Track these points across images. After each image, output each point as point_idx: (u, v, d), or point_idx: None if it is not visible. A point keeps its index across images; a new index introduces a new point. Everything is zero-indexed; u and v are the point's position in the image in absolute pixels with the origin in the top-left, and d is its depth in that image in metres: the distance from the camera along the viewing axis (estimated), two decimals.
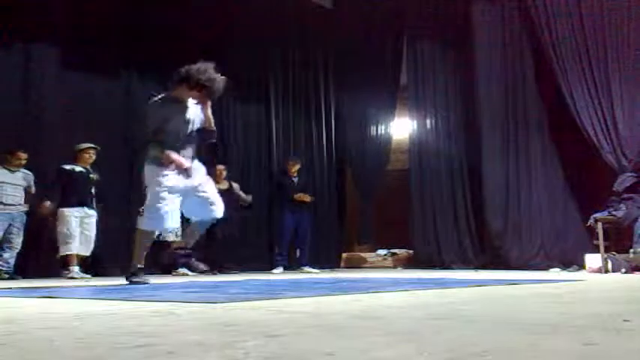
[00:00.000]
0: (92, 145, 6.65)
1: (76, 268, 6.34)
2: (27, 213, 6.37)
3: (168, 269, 7.24)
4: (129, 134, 7.79)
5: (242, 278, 5.98)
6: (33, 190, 6.46)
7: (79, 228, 6.50)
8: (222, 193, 7.60)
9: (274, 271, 7.92)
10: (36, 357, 1.30)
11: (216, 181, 7.69)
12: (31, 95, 6.93)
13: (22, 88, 6.92)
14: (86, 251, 6.57)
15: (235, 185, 7.91)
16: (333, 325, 1.81)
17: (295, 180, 8.39)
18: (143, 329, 1.72)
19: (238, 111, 9.05)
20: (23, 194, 6.39)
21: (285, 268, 8.14)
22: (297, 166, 8.46)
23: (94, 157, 6.66)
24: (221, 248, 7.80)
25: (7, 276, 6.04)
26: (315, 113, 10.06)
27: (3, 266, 6.12)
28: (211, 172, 7.79)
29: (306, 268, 8.12)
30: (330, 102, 10.30)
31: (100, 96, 7.51)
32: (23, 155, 6.34)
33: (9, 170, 6.32)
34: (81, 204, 6.51)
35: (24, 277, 6.11)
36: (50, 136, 6.93)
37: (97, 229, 6.66)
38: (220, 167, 7.74)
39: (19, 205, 6.32)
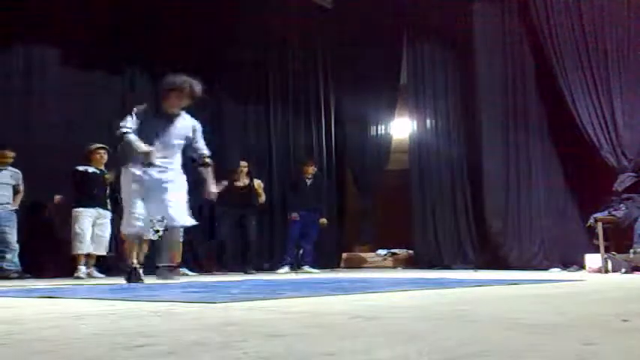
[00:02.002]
0: (102, 146, 6.68)
1: (83, 268, 6.35)
2: (17, 212, 6.35)
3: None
4: None
5: (244, 278, 5.98)
6: (22, 189, 6.43)
7: (93, 228, 6.51)
8: (241, 189, 7.71)
9: (280, 270, 7.96)
10: (36, 357, 1.30)
11: (237, 178, 7.75)
12: (31, 94, 6.93)
13: (22, 87, 6.92)
14: (100, 250, 6.59)
15: (257, 182, 7.94)
16: (333, 325, 1.81)
17: (309, 182, 8.43)
18: (143, 329, 1.72)
19: (238, 111, 9.05)
20: (11, 193, 6.35)
21: (292, 268, 8.19)
22: (312, 168, 8.49)
23: (105, 157, 6.69)
24: (224, 248, 7.82)
25: (16, 275, 6.03)
26: (315, 113, 10.06)
27: (10, 266, 6.12)
28: (234, 169, 7.89)
29: (306, 268, 8.14)
30: (330, 102, 10.30)
31: (100, 95, 7.51)
32: (10, 154, 6.30)
33: None
34: (94, 205, 6.52)
35: (33, 277, 6.11)
36: (50, 135, 6.92)
37: (112, 230, 6.67)
38: (243, 163, 7.80)
39: (7, 204, 6.29)
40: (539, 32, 7.92)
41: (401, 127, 10.40)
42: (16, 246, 6.23)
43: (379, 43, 9.95)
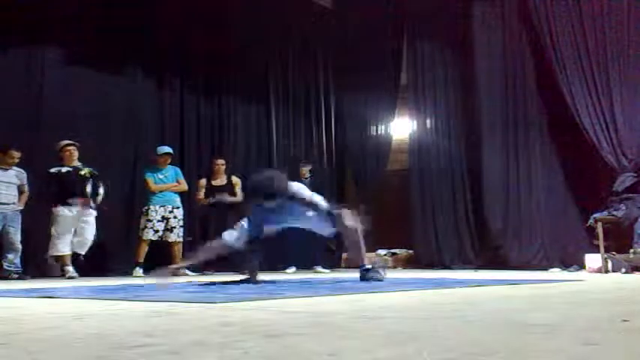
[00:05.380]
0: (70, 142, 6.59)
1: (70, 268, 6.33)
2: (22, 212, 6.34)
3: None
4: (131, 133, 7.80)
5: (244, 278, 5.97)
6: (26, 189, 6.41)
7: (75, 227, 6.49)
8: (220, 188, 7.61)
9: (287, 270, 7.98)
10: (36, 357, 1.30)
11: (215, 177, 7.69)
12: (31, 94, 6.93)
13: (22, 87, 6.92)
14: (81, 250, 6.56)
15: (235, 179, 7.75)
16: (334, 325, 1.81)
17: (306, 182, 8.41)
18: (143, 329, 1.72)
19: (238, 111, 9.06)
20: (17, 193, 6.35)
21: (298, 268, 8.19)
22: (308, 168, 8.48)
23: (75, 153, 6.60)
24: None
25: (16, 276, 6.03)
26: (315, 113, 10.06)
27: (10, 267, 6.11)
28: (210, 167, 7.82)
29: (318, 268, 8.17)
30: (330, 102, 10.30)
31: (101, 95, 7.51)
32: (16, 154, 6.28)
33: (1, 169, 6.25)
34: (71, 203, 6.47)
35: (33, 278, 6.11)
36: (51, 135, 6.91)
37: (99, 228, 6.65)
38: (219, 162, 7.70)
39: (13, 204, 6.28)
40: (539, 32, 7.92)
41: (401, 127, 10.40)
42: (19, 247, 6.22)
43: (379, 43, 9.95)
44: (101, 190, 6.65)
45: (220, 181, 7.65)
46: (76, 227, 6.51)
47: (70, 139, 6.62)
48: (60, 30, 7.06)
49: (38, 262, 6.64)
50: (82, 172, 6.56)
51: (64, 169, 6.54)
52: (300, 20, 9.78)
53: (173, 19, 8.18)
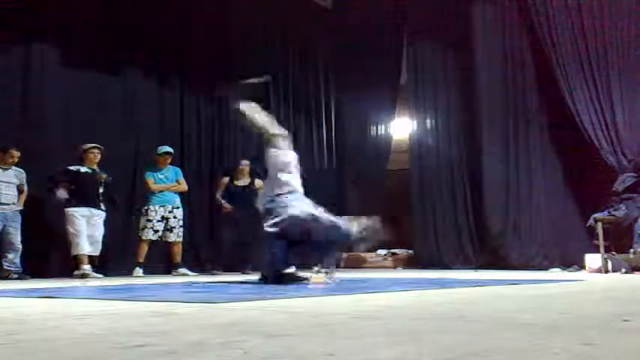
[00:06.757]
0: (96, 145, 6.69)
1: (87, 267, 6.35)
2: (22, 212, 6.34)
3: (168, 269, 7.24)
4: (131, 133, 7.79)
5: (244, 278, 5.98)
6: (25, 188, 6.41)
7: (87, 228, 6.51)
8: (242, 188, 7.67)
9: (287, 270, 7.96)
10: (36, 357, 1.30)
11: (239, 177, 7.74)
12: (30, 94, 6.92)
13: (22, 87, 6.91)
14: (94, 251, 6.58)
15: (259, 182, 7.83)
16: (333, 325, 1.81)
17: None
18: (143, 329, 1.72)
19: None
20: (17, 193, 6.36)
21: (298, 268, 8.17)
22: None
23: (99, 156, 6.70)
24: (232, 249, 7.79)
25: (16, 276, 6.03)
26: (315, 113, 10.05)
27: (10, 267, 6.10)
28: (235, 168, 7.86)
29: (317, 268, 8.16)
30: (330, 102, 10.30)
31: (100, 95, 7.50)
32: (16, 153, 6.27)
33: (1, 168, 6.24)
34: (87, 204, 6.51)
35: (33, 277, 6.10)
36: (50, 135, 6.91)
37: (105, 229, 6.67)
38: (244, 162, 7.75)
39: (13, 204, 6.28)
40: (539, 32, 7.92)
41: (401, 127, 10.40)
42: (20, 247, 6.22)
43: (379, 43, 9.95)
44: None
45: (243, 181, 7.75)
46: (87, 228, 6.54)
47: (95, 143, 6.69)
48: (59, 30, 7.05)
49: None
50: (100, 176, 6.64)
51: (82, 169, 6.60)
52: (300, 20, 9.78)
53: (173, 19, 8.17)
